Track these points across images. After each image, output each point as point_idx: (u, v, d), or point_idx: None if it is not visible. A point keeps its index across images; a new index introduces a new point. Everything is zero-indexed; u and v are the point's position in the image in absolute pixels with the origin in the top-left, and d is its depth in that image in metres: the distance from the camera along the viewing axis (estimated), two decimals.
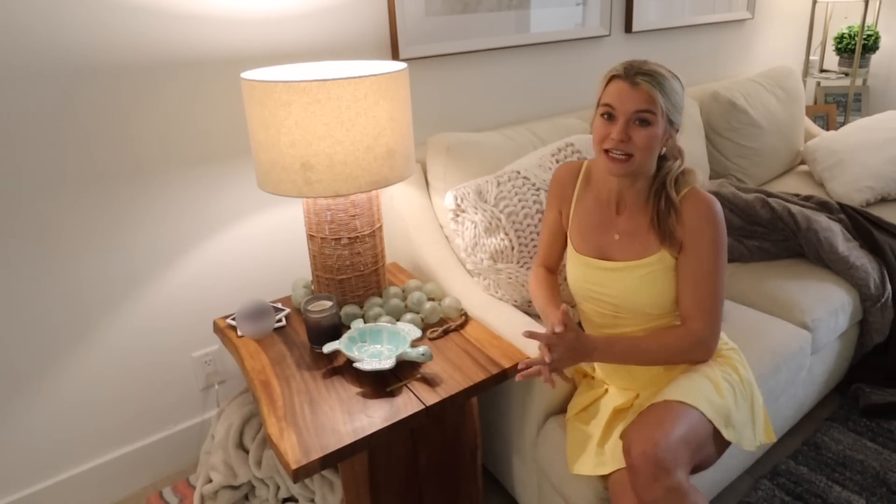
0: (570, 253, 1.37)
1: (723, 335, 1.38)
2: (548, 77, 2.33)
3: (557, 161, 1.70)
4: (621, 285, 1.28)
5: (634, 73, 1.16)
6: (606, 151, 1.20)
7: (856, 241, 2.01)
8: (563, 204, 1.40)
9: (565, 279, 1.49)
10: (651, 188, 1.25)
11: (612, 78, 1.20)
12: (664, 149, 1.23)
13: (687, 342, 1.24)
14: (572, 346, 1.19)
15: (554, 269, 1.48)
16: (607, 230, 1.31)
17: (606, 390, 1.40)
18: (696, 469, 1.21)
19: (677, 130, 1.22)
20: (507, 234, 1.56)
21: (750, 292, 1.89)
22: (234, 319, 1.56)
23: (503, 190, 1.59)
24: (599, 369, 1.44)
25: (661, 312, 1.29)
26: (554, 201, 1.42)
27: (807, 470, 1.73)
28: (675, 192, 1.23)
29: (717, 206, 1.22)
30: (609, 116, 1.19)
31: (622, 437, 1.20)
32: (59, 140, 1.47)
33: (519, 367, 1.22)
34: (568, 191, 1.39)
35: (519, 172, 1.63)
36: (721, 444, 1.23)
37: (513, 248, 1.56)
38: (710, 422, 1.17)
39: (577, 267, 1.35)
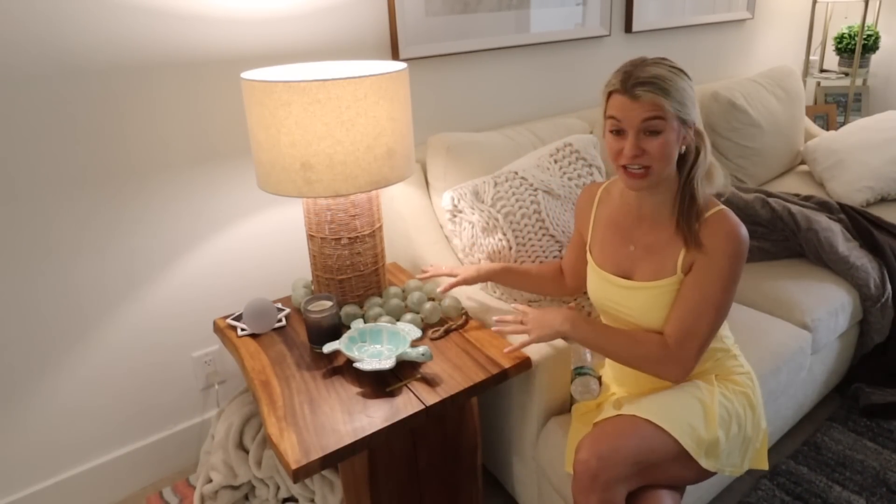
0: (591, 266, 1.37)
1: (739, 356, 1.35)
2: (548, 77, 2.33)
3: (556, 161, 1.70)
4: (637, 304, 1.26)
5: (633, 86, 1.10)
6: (623, 167, 1.16)
7: (856, 241, 2.01)
8: (582, 226, 1.42)
9: (584, 293, 1.52)
10: (675, 197, 1.21)
11: (611, 93, 1.15)
12: (683, 148, 1.17)
13: (656, 355, 1.20)
14: (540, 318, 1.28)
15: (567, 275, 1.51)
16: (624, 243, 1.29)
17: (614, 393, 1.40)
18: (670, 487, 1.19)
19: (692, 127, 1.15)
20: (504, 234, 1.56)
21: (750, 292, 1.89)
22: (235, 319, 1.56)
23: (500, 190, 1.59)
24: (607, 372, 1.44)
25: None
26: (578, 222, 1.44)
27: (807, 470, 1.73)
28: (699, 193, 1.18)
29: (743, 233, 1.15)
30: (618, 132, 1.15)
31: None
32: (57, 140, 1.47)
33: (495, 320, 1.36)
34: (587, 212, 1.40)
35: (517, 173, 1.63)
36: (701, 467, 1.20)
37: (510, 249, 1.56)
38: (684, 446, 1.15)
39: (596, 280, 1.35)
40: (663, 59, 1.14)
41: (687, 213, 1.18)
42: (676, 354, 1.19)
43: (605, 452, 1.11)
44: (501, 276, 1.52)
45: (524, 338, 1.30)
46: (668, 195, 1.22)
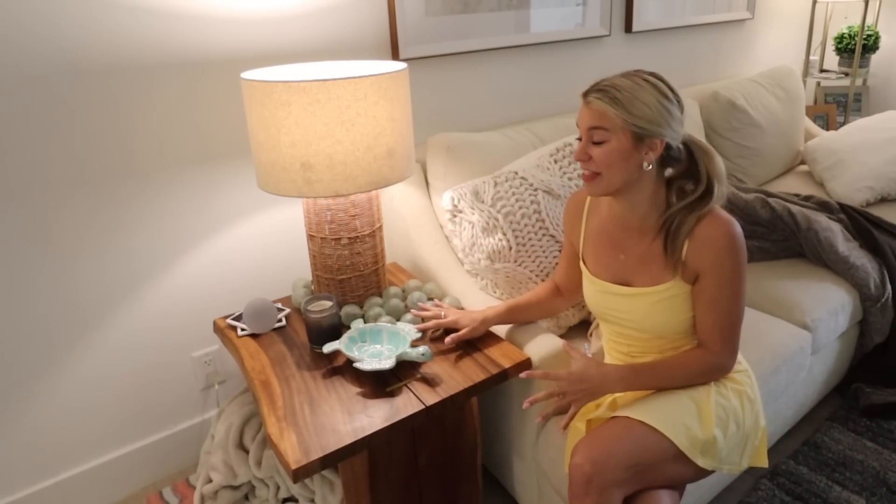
0: (586, 275, 1.37)
1: (738, 355, 1.35)
2: (548, 77, 2.33)
3: (556, 161, 1.70)
4: (637, 309, 1.27)
5: (589, 91, 1.15)
6: None
7: (856, 241, 2.01)
8: (573, 235, 1.41)
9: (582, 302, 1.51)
10: (661, 217, 1.22)
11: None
12: (648, 165, 1.15)
13: (707, 365, 1.23)
14: (586, 388, 1.24)
15: (564, 290, 1.49)
16: (616, 252, 1.30)
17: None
18: (669, 486, 1.19)
19: (664, 142, 1.14)
20: (504, 234, 1.56)
21: (750, 292, 1.89)
22: (235, 319, 1.56)
23: (500, 190, 1.59)
24: None
25: (679, 334, 1.28)
26: (567, 232, 1.43)
27: (807, 470, 1.73)
28: (687, 221, 1.18)
29: (737, 229, 1.18)
30: (579, 137, 1.20)
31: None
32: (57, 141, 1.47)
33: (529, 403, 1.27)
34: (576, 221, 1.40)
35: (517, 173, 1.63)
36: (698, 466, 1.20)
37: (510, 248, 1.56)
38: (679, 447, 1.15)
39: (593, 290, 1.35)
40: (650, 73, 1.15)
41: (673, 237, 1.20)
42: (723, 353, 1.23)
43: (599, 457, 1.11)
44: (507, 318, 1.48)
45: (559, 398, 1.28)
46: (654, 210, 1.23)
